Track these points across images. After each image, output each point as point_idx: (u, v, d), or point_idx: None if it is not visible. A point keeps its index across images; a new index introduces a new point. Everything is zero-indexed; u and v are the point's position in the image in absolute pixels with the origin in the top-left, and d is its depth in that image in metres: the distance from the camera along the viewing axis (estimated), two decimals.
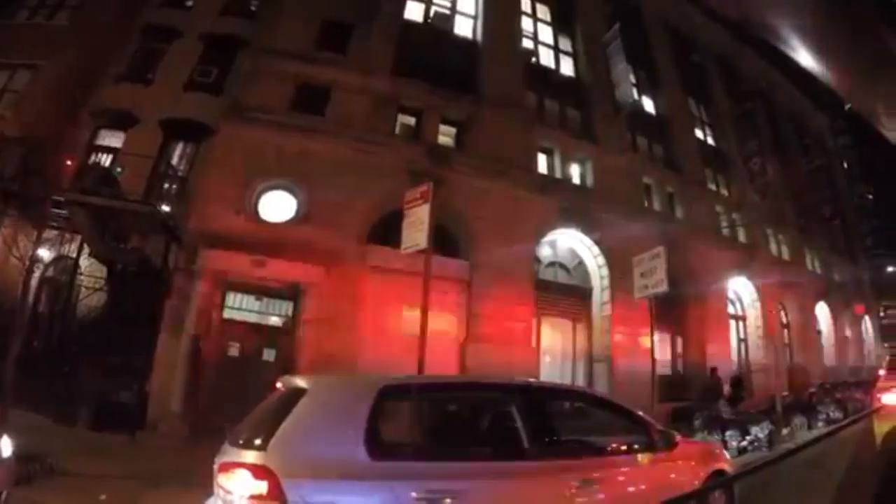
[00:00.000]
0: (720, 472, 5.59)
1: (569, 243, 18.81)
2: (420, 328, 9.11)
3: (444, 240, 14.61)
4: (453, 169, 16.22)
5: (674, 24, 26.73)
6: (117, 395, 12.78)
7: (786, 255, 26.79)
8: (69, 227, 14.96)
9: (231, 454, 3.90)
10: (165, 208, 15.59)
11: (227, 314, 14.17)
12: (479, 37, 19.91)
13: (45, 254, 15.36)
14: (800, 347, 25.64)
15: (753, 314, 23.68)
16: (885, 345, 33.66)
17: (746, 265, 22.87)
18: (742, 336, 23.64)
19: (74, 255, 15.29)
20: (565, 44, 22.56)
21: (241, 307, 14.36)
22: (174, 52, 18.47)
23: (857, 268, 35.24)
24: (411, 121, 17.54)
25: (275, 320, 14.60)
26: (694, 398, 16.10)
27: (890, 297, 41.75)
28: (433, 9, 19.79)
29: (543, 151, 19.36)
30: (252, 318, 14.43)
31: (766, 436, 12.96)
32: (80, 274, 15.40)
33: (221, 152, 15.00)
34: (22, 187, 14.34)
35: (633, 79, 22.34)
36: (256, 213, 14.53)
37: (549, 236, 18.09)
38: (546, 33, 22.24)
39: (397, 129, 17.28)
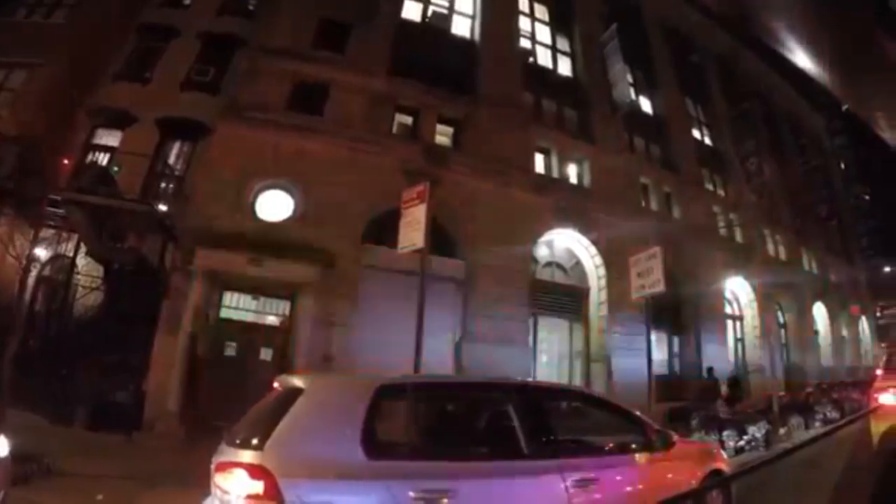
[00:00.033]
0: (717, 472, 5.58)
1: (566, 243, 18.83)
2: (416, 327, 9.10)
3: (440, 239, 14.62)
4: (450, 169, 16.23)
5: (671, 25, 26.77)
6: (114, 394, 12.76)
7: (783, 256, 26.85)
8: (66, 226, 14.91)
9: (228, 454, 3.89)
10: (162, 207, 15.53)
11: (223, 313, 14.20)
12: (476, 36, 19.95)
13: (41, 253, 15.37)
14: (797, 347, 25.71)
15: (750, 314, 23.73)
16: (882, 345, 33.69)
17: (743, 265, 22.92)
18: (739, 336, 23.69)
19: (71, 255, 15.23)
20: (563, 44, 22.60)
21: (237, 306, 14.38)
22: (172, 51, 18.40)
23: (853, 268, 35.39)
24: (408, 120, 17.56)
25: (272, 319, 14.62)
26: (691, 398, 16.11)
27: (886, 298, 41.84)
28: (431, 8, 19.83)
29: (540, 151, 19.40)
30: (249, 317, 14.45)
31: (763, 436, 12.99)
32: (77, 273, 15.35)
33: (218, 151, 14.99)
34: (18, 186, 14.31)
35: (630, 79, 22.40)
36: (253, 212, 14.54)
37: (546, 236, 18.10)
38: (544, 33, 22.28)
39: (394, 129, 17.31)
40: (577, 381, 17.55)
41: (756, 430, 13.00)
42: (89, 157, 17.07)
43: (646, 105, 24.02)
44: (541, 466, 4.32)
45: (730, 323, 23.26)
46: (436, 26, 19.61)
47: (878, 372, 12.12)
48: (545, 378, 16.59)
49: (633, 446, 5.06)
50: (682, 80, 25.61)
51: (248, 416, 4.47)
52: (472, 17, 20.36)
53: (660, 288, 11.37)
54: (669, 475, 5.09)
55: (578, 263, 19.05)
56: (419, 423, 4.68)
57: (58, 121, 16.81)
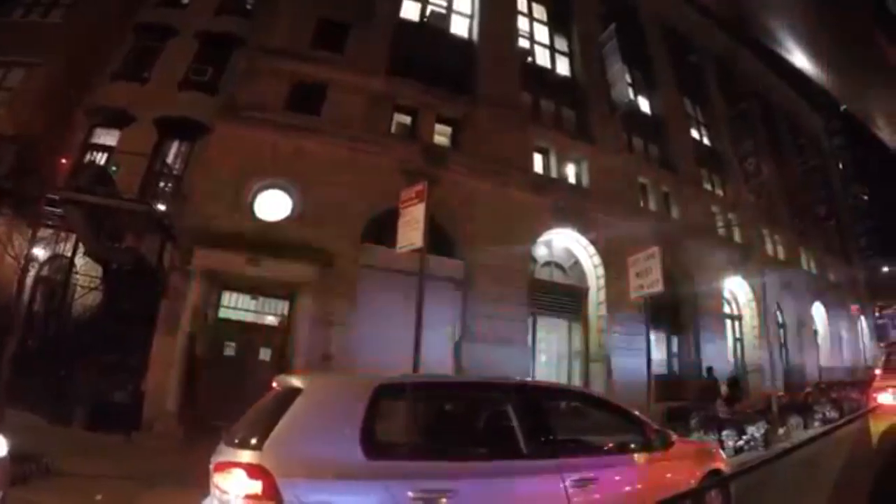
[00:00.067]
0: (716, 472, 5.58)
1: (565, 243, 18.84)
2: (415, 327, 9.09)
3: (439, 239, 14.61)
4: (449, 168, 16.23)
5: (670, 25, 26.79)
6: (113, 394, 12.74)
7: (781, 255, 26.89)
8: (64, 225, 14.89)
9: (227, 454, 3.88)
10: (161, 207, 15.53)
11: (222, 313, 14.19)
12: (475, 36, 19.96)
13: (40, 252, 15.33)
14: (796, 347, 25.74)
15: (749, 314, 23.73)
16: (881, 344, 33.73)
17: (742, 265, 22.90)
18: (738, 336, 23.70)
19: (69, 254, 15.20)
20: (561, 44, 22.60)
21: (236, 306, 14.37)
22: (170, 50, 18.40)
23: (852, 268, 35.49)
24: (407, 120, 17.56)
25: (270, 319, 14.61)
26: (691, 398, 16.12)
27: (885, 297, 41.89)
28: (429, 8, 19.81)
29: (539, 151, 19.40)
30: (248, 317, 14.44)
31: (762, 435, 13.02)
32: (76, 273, 15.34)
33: (217, 151, 14.98)
34: (16, 186, 14.28)
35: (628, 79, 22.43)
36: (252, 212, 14.54)
37: (545, 236, 18.11)
38: (542, 33, 22.28)
39: (393, 129, 17.31)
40: (577, 381, 17.58)
41: (755, 430, 13.02)
42: (87, 156, 17.09)
43: (644, 105, 24.04)
44: (540, 466, 4.32)
45: (728, 323, 23.28)
46: (434, 26, 19.59)
47: (877, 372, 12.10)
48: (544, 378, 16.60)
49: (633, 446, 5.07)
50: (681, 80, 25.64)
51: (246, 416, 4.46)
52: (471, 17, 20.36)
53: (658, 288, 11.36)
54: (668, 475, 5.09)
55: (577, 263, 19.06)
56: (418, 423, 4.69)
57: (56, 120, 16.80)
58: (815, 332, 28.71)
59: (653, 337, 14.66)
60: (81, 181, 14.41)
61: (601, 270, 18.50)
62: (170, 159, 17.31)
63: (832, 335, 30.08)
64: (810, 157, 34.57)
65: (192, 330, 13.05)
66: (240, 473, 3.61)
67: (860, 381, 19.81)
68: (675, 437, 5.52)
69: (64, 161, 15.36)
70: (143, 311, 13.59)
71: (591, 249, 18.61)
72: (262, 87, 15.64)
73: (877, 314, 40.83)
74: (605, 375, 17.38)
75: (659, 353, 18.99)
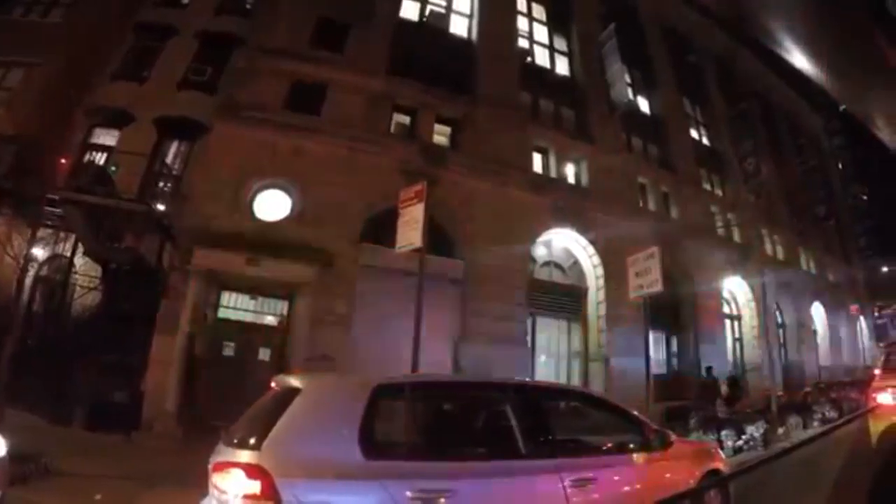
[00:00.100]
0: (715, 472, 5.58)
1: (564, 243, 18.85)
2: (414, 327, 9.09)
3: (438, 239, 14.60)
4: (448, 168, 16.24)
5: (669, 25, 26.79)
6: (112, 394, 12.73)
7: (781, 255, 26.88)
8: (63, 225, 14.88)
9: (225, 454, 3.88)
10: (160, 207, 15.52)
11: (221, 313, 14.19)
12: (474, 36, 19.97)
13: (39, 252, 15.31)
14: (795, 347, 25.73)
15: (748, 314, 23.75)
16: (880, 344, 33.73)
17: (741, 265, 22.89)
18: (737, 335, 23.72)
19: (69, 254, 15.19)
20: (561, 43, 22.61)
21: (235, 306, 14.37)
22: (169, 50, 18.38)
23: (851, 268, 35.51)
24: (406, 120, 17.57)
25: (270, 319, 14.60)
26: (692, 398, 16.11)
27: (884, 297, 41.86)
28: (429, 8, 19.82)
29: (538, 151, 19.42)
30: (247, 317, 14.44)
31: (761, 435, 13.03)
32: (75, 273, 15.33)
33: (216, 151, 14.98)
34: (16, 185, 14.26)
35: (628, 79, 22.46)
36: (251, 212, 14.54)
37: (545, 236, 18.12)
38: (541, 33, 22.30)
39: (392, 129, 17.31)
40: (576, 381, 17.60)
41: (754, 430, 13.03)
42: (87, 156, 17.06)
43: (644, 105, 24.06)
44: (538, 466, 4.32)
45: (728, 322, 23.29)
46: (434, 26, 19.59)
47: (877, 371, 12.09)
48: (543, 378, 16.63)
49: (631, 446, 5.08)
50: (680, 80, 25.64)
51: (245, 416, 4.46)
52: (470, 17, 20.38)
53: (658, 288, 11.33)
54: (667, 475, 5.09)
55: (576, 263, 19.07)
56: (417, 423, 4.69)
57: (55, 120, 16.79)
58: (815, 332, 28.69)
59: (652, 337, 14.67)
60: (81, 181, 14.43)
61: (600, 270, 18.51)
62: (169, 159, 17.30)
63: (831, 335, 30.07)
64: (810, 157, 34.55)
65: (192, 330, 13.06)
66: (238, 473, 3.60)
67: (859, 381, 19.78)
68: (673, 436, 5.52)
69: (63, 161, 15.34)
70: (143, 311, 13.58)
71: (591, 249, 18.62)
72: (261, 86, 15.64)
73: (876, 314, 40.80)
74: (605, 375, 17.39)
75: (658, 353, 19.03)
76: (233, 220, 14.03)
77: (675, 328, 20.55)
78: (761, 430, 13.12)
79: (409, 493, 3.68)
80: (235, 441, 3.96)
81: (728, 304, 23.59)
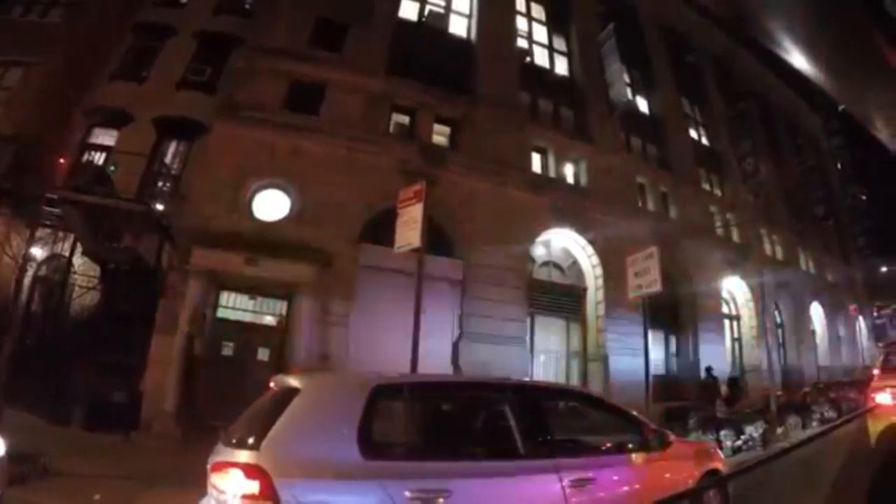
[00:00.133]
0: (714, 472, 5.58)
1: (563, 243, 18.84)
2: (413, 327, 9.09)
3: (437, 239, 14.58)
4: (447, 168, 16.24)
5: (668, 25, 26.79)
6: (111, 394, 12.72)
7: (780, 255, 26.90)
8: (62, 225, 14.87)
9: (224, 454, 3.88)
10: (159, 207, 15.51)
11: (220, 313, 14.18)
12: (473, 36, 19.96)
13: (38, 252, 15.30)
14: (794, 347, 25.76)
15: (747, 314, 23.74)
16: (879, 344, 33.75)
17: (740, 265, 22.91)
18: (736, 336, 23.71)
19: (67, 254, 15.19)
20: (560, 43, 22.60)
21: (234, 306, 14.36)
22: (168, 50, 18.38)
23: (850, 268, 35.54)
24: (405, 120, 17.55)
25: (269, 319, 14.60)
26: (692, 398, 16.12)
27: (883, 297, 41.93)
28: (428, 7, 19.80)
29: (537, 151, 19.41)
30: (246, 317, 14.43)
31: (760, 435, 13.04)
32: (74, 273, 15.32)
33: (215, 151, 14.96)
34: (14, 185, 14.24)
35: (627, 79, 22.45)
36: (250, 211, 14.52)
37: (543, 236, 18.11)
38: (541, 33, 22.29)
39: (391, 129, 17.30)
40: (575, 381, 17.59)
41: (753, 430, 13.04)
42: (86, 156, 17.08)
43: (642, 105, 24.06)
44: (537, 466, 4.32)
45: (727, 322, 23.28)
46: (433, 26, 19.58)
47: (875, 371, 12.10)
48: (542, 378, 16.64)
49: (630, 446, 5.08)
50: (679, 80, 25.64)
51: (244, 415, 4.46)
52: (469, 17, 20.37)
53: (657, 288, 11.34)
54: (666, 475, 5.09)
55: (575, 263, 19.07)
56: (415, 423, 4.69)
57: (54, 119, 16.79)
58: (814, 332, 28.77)
59: (651, 337, 14.63)
60: (80, 181, 14.43)
61: (599, 270, 18.51)
62: (168, 159, 17.30)
63: (830, 335, 30.11)
64: (809, 156, 34.62)
65: (191, 330, 13.03)
66: (237, 473, 3.60)
67: (858, 381, 19.81)
68: (672, 437, 5.53)
69: (62, 161, 15.34)
70: (142, 311, 13.57)
71: (590, 249, 18.62)
72: (260, 86, 15.63)
73: (875, 314, 40.87)
74: (604, 375, 17.37)
75: (657, 353, 19.00)
76: (232, 219, 14.02)
77: (674, 328, 20.56)
78: (760, 431, 13.13)
79: (407, 493, 3.68)
80: (234, 441, 3.96)
81: (727, 304, 23.58)
